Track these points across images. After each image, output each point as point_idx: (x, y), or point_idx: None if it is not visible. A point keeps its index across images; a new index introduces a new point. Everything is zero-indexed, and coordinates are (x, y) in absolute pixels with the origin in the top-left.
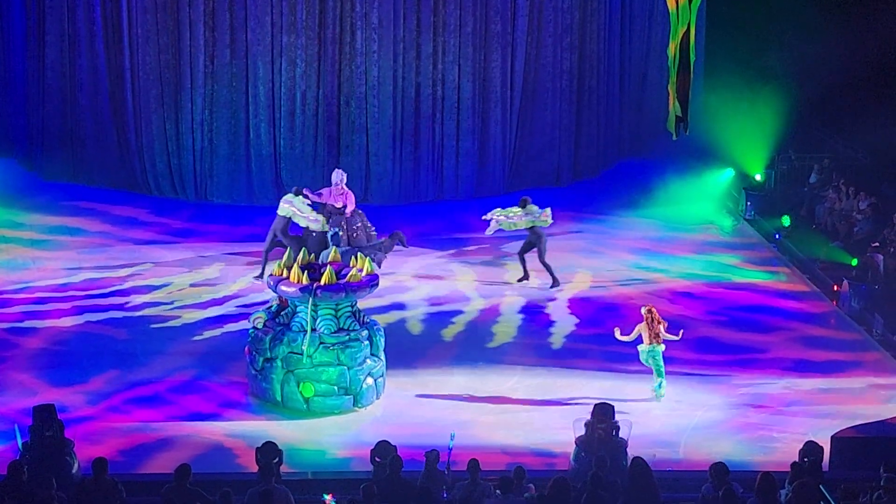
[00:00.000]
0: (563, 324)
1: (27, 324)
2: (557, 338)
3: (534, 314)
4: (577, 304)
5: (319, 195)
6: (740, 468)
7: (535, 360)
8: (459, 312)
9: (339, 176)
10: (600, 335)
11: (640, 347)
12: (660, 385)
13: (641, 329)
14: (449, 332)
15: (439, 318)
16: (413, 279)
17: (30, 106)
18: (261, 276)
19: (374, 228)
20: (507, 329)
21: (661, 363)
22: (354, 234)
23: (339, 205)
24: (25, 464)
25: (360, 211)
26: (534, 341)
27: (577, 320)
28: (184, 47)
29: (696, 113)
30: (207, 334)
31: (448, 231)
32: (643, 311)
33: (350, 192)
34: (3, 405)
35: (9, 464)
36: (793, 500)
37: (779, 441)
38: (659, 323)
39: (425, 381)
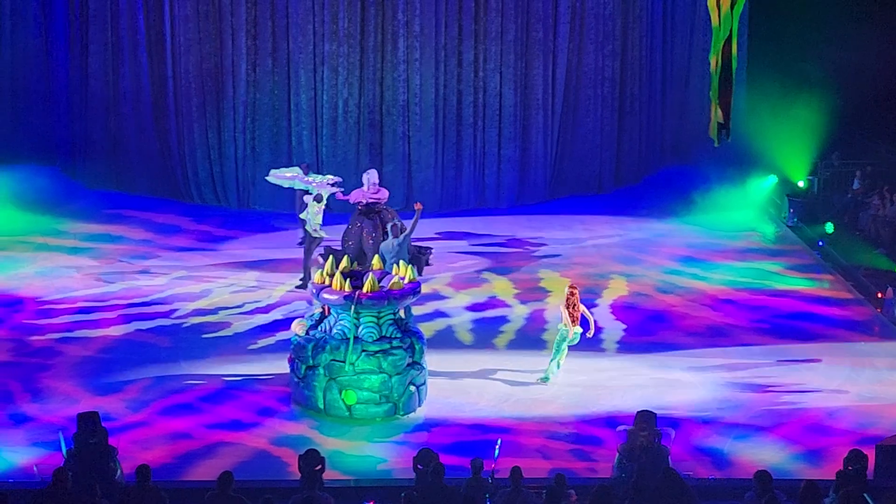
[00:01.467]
0: (611, 331)
1: (70, 332)
2: (607, 344)
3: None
4: (621, 312)
5: (348, 196)
6: (784, 476)
7: (579, 366)
8: (505, 320)
9: (373, 177)
10: (647, 343)
11: (561, 326)
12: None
13: (562, 309)
14: (500, 341)
15: (485, 326)
16: (449, 287)
17: (73, 114)
18: (303, 284)
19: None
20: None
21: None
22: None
23: (362, 202)
24: (70, 471)
25: (392, 209)
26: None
27: (625, 326)
28: (226, 56)
29: (738, 119)
30: (249, 342)
31: (488, 238)
32: (566, 289)
33: (384, 189)
34: (47, 413)
35: (54, 471)
36: None
37: (823, 449)
38: (575, 307)
39: (467, 387)
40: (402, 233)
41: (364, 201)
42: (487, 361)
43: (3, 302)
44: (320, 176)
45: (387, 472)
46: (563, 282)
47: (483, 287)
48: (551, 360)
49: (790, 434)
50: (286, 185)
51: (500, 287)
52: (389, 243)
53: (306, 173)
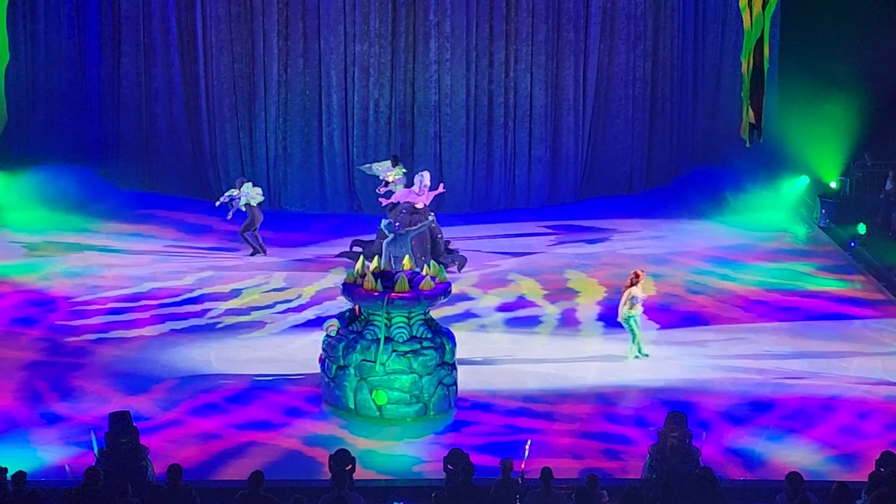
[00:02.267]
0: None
1: (101, 331)
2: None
3: (613, 322)
4: (652, 312)
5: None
6: (816, 478)
7: (609, 366)
8: (537, 320)
9: (426, 179)
10: (677, 344)
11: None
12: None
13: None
14: (535, 342)
15: (518, 326)
16: (476, 288)
17: (106, 115)
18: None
19: (440, 232)
20: (591, 339)
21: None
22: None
23: (419, 205)
24: (102, 470)
25: (430, 211)
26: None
27: (656, 326)
28: (258, 56)
29: (770, 120)
30: (280, 341)
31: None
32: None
33: (427, 191)
34: (79, 412)
35: (85, 470)
36: None
37: (855, 450)
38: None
39: (498, 387)
40: (440, 236)
41: (413, 202)
42: (521, 360)
43: (35, 301)
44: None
45: (417, 472)
46: (590, 283)
47: (510, 287)
48: (636, 341)
49: (822, 435)
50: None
51: (528, 287)
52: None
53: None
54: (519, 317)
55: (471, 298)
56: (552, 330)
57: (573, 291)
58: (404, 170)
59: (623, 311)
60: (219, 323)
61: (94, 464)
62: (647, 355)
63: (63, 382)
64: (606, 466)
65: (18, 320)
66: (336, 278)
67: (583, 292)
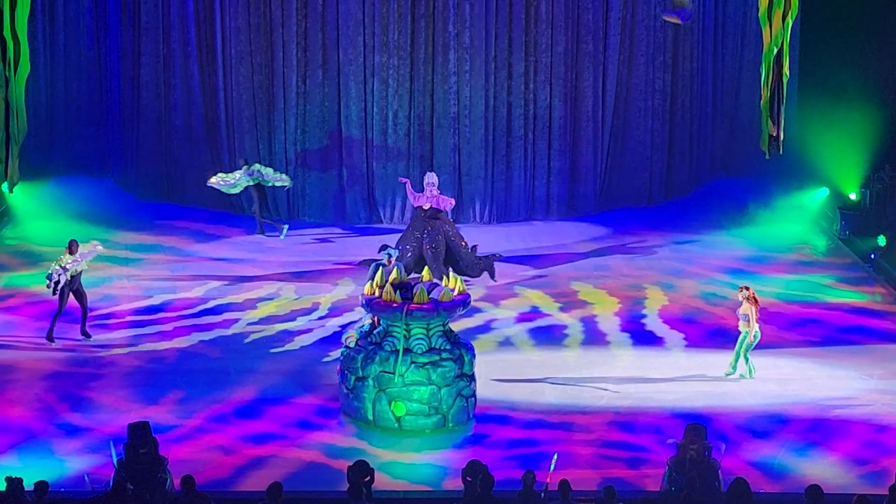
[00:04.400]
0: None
1: (121, 342)
2: (656, 358)
3: (639, 334)
4: (671, 323)
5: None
6: (836, 491)
7: (627, 380)
8: (562, 330)
9: (429, 178)
10: (696, 356)
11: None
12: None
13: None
14: (566, 355)
15: (547, 337)
16: (484, 301)
17: (125, 126)
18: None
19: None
20: (622, 349)
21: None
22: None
23: (426, 207)
24: (127, 481)
25: (450, 219)
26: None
27: (673, 339)
28: (277, 67)
29: (789, 131)
30: (298, 352)
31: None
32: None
33: (442, 196)
34: (98, 423)
35: (113, 481)
36: None
37: (874, 463)
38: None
39: (516, 399)
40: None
41: (430, 206)
42: (536, 373)
43: (55, 311)
44: (270, 170)
45: (435, 483)
46: (600, 294)
47: (520, 299)
48: (745, 360)
49: (842, 448)
50: (236, 190)
51: (536, 298)
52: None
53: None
54: (540, 327)
55: (480, 311)
56: (579, 343)
57: (586, 303)
58: (258, 167)
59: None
60: (235, 333)
61: (117, 475)
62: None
63: (82, 393)
64: (627, 475)
65: (38, 331)
66: (349, 289)
67: (596, 304)
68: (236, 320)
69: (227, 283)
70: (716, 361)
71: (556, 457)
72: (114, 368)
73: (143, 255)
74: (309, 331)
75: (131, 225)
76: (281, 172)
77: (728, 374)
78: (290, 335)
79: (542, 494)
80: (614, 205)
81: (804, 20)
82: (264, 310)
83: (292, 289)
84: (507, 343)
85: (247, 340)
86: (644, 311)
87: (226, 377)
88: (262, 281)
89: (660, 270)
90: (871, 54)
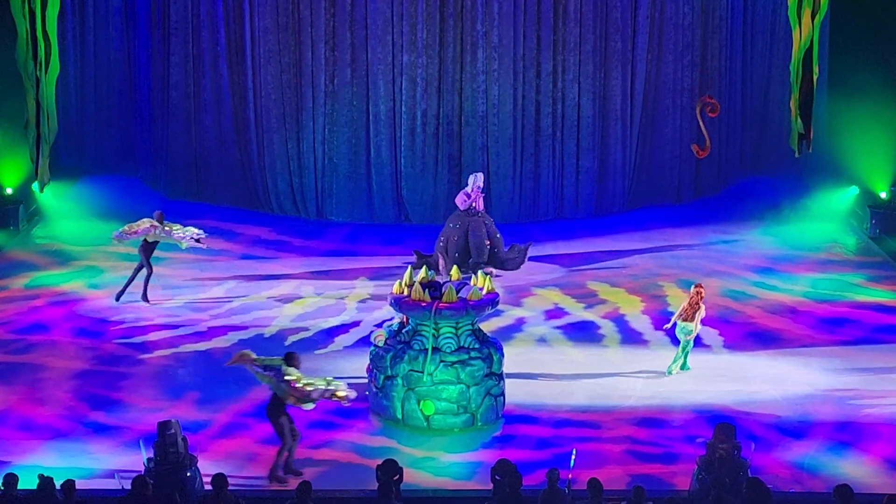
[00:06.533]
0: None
1: (152, 341)
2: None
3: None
4: (714, 323)
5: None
6: (865, 490)
7: (655, 379)
8: (594, 325)
9: (479, 180)
10: (725, 354)
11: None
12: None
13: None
14: (608, 356)
15: (585, 335)
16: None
17: (155, 126)
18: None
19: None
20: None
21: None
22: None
23: (463, 207)
24: (150, 479)
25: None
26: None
27: (702, 337)
28: (305, 67)
29: (819, 130)
30: (327, 351)
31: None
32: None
33: (478, 196)
34: (128, 421)
35: (134, 478)
36: None
37: None
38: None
39: (545, 397)
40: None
41: (472, 204)
42: (566, 372)
43: (84, 311)
44: (180, 226)
45: (464, 482)
46: (617, 292)
47: (538, 298)
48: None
49: (872, 448)
50: (140, 238)
51: (555, 297)
52: None
53: (161, 222)
54: (570, 322)
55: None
56: (619, 342)
57: (607, 301)
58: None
59: (697, 325)
60: (264, 332)
61: (142, 473)
62: (689, 369)
63: (113, 391)
64: (655, 472)
65: (68, 330)
66: (374, 289)
67: (620, 303)
68: (273, 325)
69: (257, 282)
70: (750, 363)
71: (574, 452)
72: (144, 367)
73: (172, 254)
74: (345, 331)
75: None
76: (188, 228)
77: (669, 374)
78: (319, 333)
79: (567, 491)
80: (643, 203)
81: (834, 17)
82: (295, 309)
83: (321, 287)
84: (542, 341)
85: (274, 340)
86: (671, 310)
87: (254, 376)
88: (292, 280)
89: (689, 269)
90: None
